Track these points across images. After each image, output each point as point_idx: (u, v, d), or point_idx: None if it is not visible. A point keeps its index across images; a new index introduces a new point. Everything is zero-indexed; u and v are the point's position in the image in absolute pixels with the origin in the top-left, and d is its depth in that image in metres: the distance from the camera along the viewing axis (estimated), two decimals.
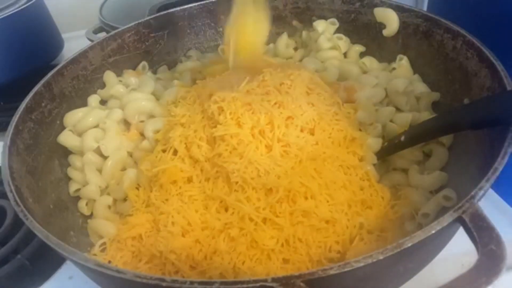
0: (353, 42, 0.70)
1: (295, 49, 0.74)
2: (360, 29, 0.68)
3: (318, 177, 0.46)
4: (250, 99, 0.49)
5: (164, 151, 0.52)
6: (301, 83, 0.53)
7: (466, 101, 0.52)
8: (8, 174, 0.44)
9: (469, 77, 0.52)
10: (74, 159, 0.57)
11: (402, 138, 0.50)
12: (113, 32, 0.68)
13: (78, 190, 0.55)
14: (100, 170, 0.55)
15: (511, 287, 0.45)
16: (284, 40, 0.73)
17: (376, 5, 0.65)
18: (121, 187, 0.53)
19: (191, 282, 0.30)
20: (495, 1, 0.60)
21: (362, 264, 0.30)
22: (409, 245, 0.31)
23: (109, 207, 0.54)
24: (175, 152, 0.51)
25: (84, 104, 0.62)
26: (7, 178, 0.43)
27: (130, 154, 0.57)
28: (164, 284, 0.30)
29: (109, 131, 0.57)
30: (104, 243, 0.49)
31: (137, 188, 0.52)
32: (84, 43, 0.67)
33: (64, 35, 1.02)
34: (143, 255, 0.47)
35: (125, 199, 0.53)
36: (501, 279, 0.28)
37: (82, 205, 0.54)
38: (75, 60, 0.62)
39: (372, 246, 0.44)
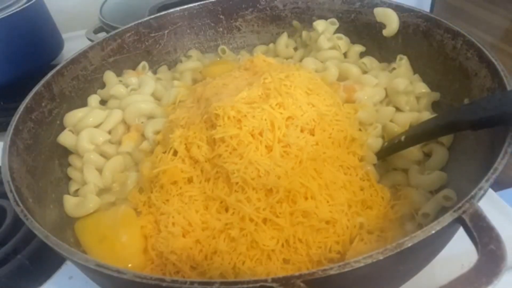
0: (353, 42, 0.69)
1: (295, 49, 0.74)
2: (360, 29, 0.68)
3: (318, 178, 0.46)
4: (249, 107, 0.49)
5: (164, 152, 0.52)
6: (301, 83, 0.52)
7: (466, 101, 0.52)
8: (8, 174, 0.44)
9: (469, 77, 0.52)
10: (74, 159, 0.57)
11: (402, 138, 0.50)
12: (113, 32, 0.68)
13: (78, 190, 0.55)
14: (99, 170, 0.55)
15: (511, 287, 0.45)
16: (284, 40, 0.73)
17: (376, 5, 0.65)
18: (124, 190, 0.53)
19: (191, 282, 0.30)
20: None
21: (362, 264, 0.30)
22: (409, 245, 0.31)
23: None
24: (175, 153, 0.51)
25: (84, 104, 0.62)
26: (7, 178, 0.43)
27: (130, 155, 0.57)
28: (164, 284, 0.30)
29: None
30: None
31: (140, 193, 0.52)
32: (84, 43, 0.67)
33: (64, 35, 1.02)
34: None
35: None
36: (501, 279, 0.28)
37: None
38: (75, 60, 0.62)
39: (372, 246, 0.44)
